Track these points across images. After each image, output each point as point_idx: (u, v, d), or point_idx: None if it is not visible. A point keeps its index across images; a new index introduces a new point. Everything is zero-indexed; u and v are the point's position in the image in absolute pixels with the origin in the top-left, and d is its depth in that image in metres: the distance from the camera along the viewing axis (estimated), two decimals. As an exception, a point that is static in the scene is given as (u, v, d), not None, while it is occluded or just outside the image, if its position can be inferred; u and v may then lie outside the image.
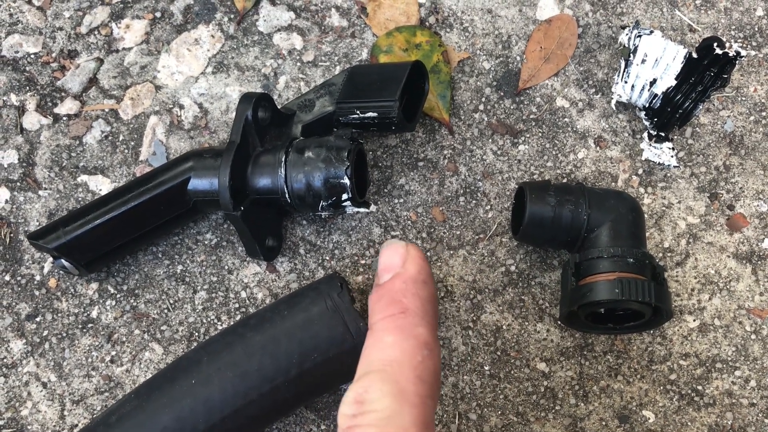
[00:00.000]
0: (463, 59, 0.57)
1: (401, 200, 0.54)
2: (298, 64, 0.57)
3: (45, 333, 0.52)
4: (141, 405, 0.44)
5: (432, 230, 0.54)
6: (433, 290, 0.40)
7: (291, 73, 0.56)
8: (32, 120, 0.56)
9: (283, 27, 0.58)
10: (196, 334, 0.52)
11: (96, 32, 0.57)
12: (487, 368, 0.52)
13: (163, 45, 0.57)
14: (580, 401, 0.52)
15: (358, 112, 0.49)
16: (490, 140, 0.55)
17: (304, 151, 0.48)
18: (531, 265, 0.53)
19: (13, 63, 0.57)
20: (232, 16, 0.58)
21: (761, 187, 0.55)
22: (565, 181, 0.55)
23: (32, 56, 0.57)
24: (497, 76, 0.56)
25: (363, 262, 0.53)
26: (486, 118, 0.56)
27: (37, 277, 0.53)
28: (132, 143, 0.55)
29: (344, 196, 0.47)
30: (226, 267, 0.53)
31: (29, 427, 0.51)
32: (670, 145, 0.54)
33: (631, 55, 0.52)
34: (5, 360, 0.52)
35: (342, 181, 0.47)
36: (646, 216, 0.53)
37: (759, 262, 0.54)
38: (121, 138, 0.55)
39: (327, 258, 0.53)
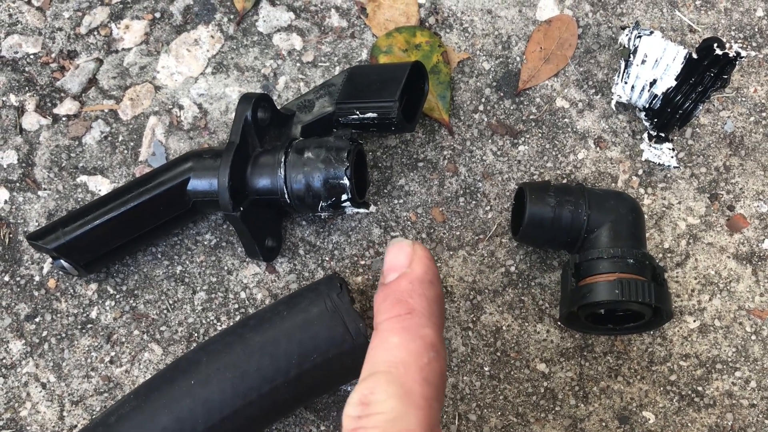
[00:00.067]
0: (463, 60, 0.57)
1: (401, 201, 0.54)
2: (298, 64, 0.57)
3: (44, 333, 0.52)
4: (140, 406, 0.44)
5: (432, 231, 0.54)
6: (440, 291, 0.39)
7: (290, 74, 0.56)
8: (32, 120, 0.56)
9: (282, 27, 0.57)
10: (196, 334, 0.52)
11: (95, 33, 0.57)
12: (486, 369, 0.52)
13: (162, 45, 0.57)
14: (580, 402, 0.52)
15: (357, 112, 0.49)
16: (490, 141, 0.55)
17: (304, 151, 0.48)
18: (531, 266, 0.53)
19: (13, 63, 0.57)
20: (231, 16, 0.58)
21: (761, 187, 0.55)
22: (565, 181, 0.55)
23: (32, 57, 0.57)
24: (497, 76, 0.56)
25: (362, 262, 0.53)
26: (486, 119, 0.56)
27: (37, 278, 0.53)
28: (131, 144, 0.55)
29: (344, 197, 0.47)
30: (226, 267, 0.53)
31: (28, 428, 0.51)
32: (670, 145, 0.54)
33: (631, 55, 0.52)
34: (4, 360, 0.52)
35: (341, 181, 0.47)
36: (646, 217, 0.53)
37: (759, 263, 0.54)
38: (120, 138, 0.55)
39: (326, 258, 0.53)
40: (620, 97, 0.54)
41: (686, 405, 0.52)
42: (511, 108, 0.56)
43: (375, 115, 0.49)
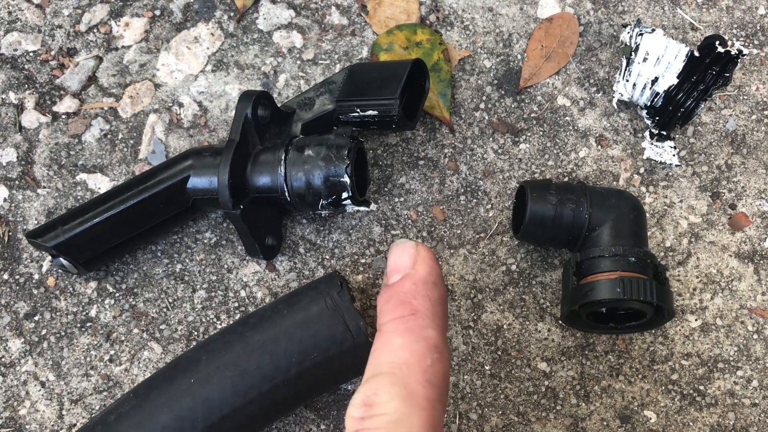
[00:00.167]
0: (464, 57, 0.57)
1: (402, 199, 0.54)
2: (298, 62, 0.56)
3: (43, 332, 0.52)
4: (140, 404, 0.44)
5: (432, 229, 0.54)
6: (443, 292, 0.39)
7: (291, 72, 0.56)
8: (31, 118, 0.55)
9: (282, 25, 0.57)
10: (195, 333, 0.52)
11: (95, 30, 0.57)
12: (487, 368, 0.52)
13: (162, 43, 0.57)
14: (581, 401, 0.51)
15: (358, 110, 0.49)
16: (491, 139, 0.55)
17: (304, 149, 0.48)
18: (532, 265, 0.53)
19: (12, 61, 0.56)
20: (231, 14, 0.57)
21: (763, 186, 0.55)
22: (566, 179, 0.54)
23: (31, 54, 0.57)
24: (498, 74, 0.56)
25: (363, 261, 0.53)
26: (487, 117, 0.55)
27: (36, 276, 0.53)
28: (131, 141, 0.55)
29: (344, 195, 0.47)
30: (226, 266, 0.53)
31: (27, 427, 0.51)
32: (671, 143, 0.54)
33: (633, 53, 0.52)
34: (3, 359, 0.52)
35: (342, 179, 0.46)
36: (647, 215, 0.53)
37: (761, 262, 0.53)
38: (120, 136, 0.55)
39: (327, 257, 0.53)
40: (622, 95, 0.53)
41: (688, 404, 0.51)
42: (512, 106, 0.56)
43: (376, 112, 0.49)
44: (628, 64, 0.52)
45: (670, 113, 0.53)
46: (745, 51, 0.49)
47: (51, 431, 0.51)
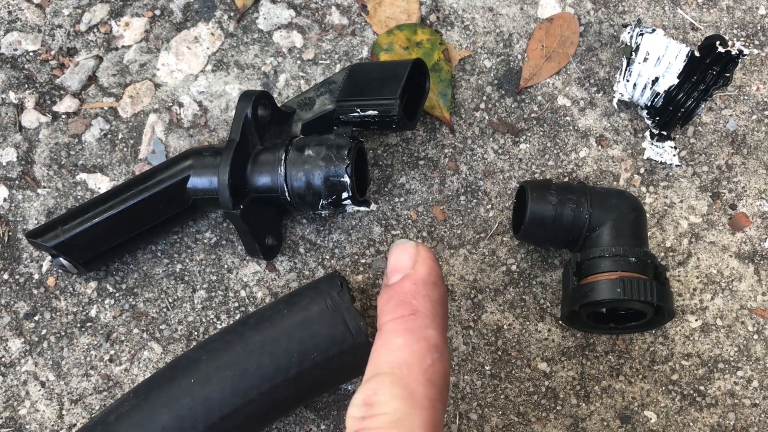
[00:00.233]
0: (464, 57, 0.57)
1: (402, 199, 0.54)
2: (298, 62, 0.56)
3: (43, 332, 0.52)
4: (140, 404, 0.44)
5: (432, 229, 0.54)
6: (444, 292, 0.39)
7: (291, 71, 0.56)
8: (31, 118, 0.55)
9: (283, 25, 0.57)
10: (195, 333, 0.52)
11: (95, 30, 0.57)
12: (488, 368, 0.52)
13: (162, 43, 0.57)
14: (581, 401, 0.51)
15: (358, 110, 0.49)
16: (491, 139, 0.55)
17: (304, 149, 0.48)
18: (532, 265, 0.53)
19: (12, 61, 0.56)
20: (231, 13, 0.57)
21: (763, 186, 0.55)
22: (566, 180, 0.54)
23: (31, 54, 0.57)
24: (498, 74, 0.56)
25: (363, 261, 0.53)
26: (487, 117, 0.55)
27: (36, 276, 0.53)
28: (131, 141, 0.55)
29: (344, 195, 0.47)
30: (226, 266, 0.53)
31: (27, 427, 0.51)
32: (672, 144, 0.54)
33: (633, 53, 0.52)
34: (3, 359, 0.52)
35: (342, 179, 0.46)
36: (648, 215, 0.53)
37: (761, 262, 0.53)
38: (120, 136, 0.55)
39: (327, 257, 0.53)
40: (622, 95, 0.53)
41: (688, 404, 0.51)
42: (513, 106, 0.56)
43: (376, 112, 0.49)
44: (628, 64, 0.52)
45: (671, 113, 0.53)
46: (746, 51, 0.49)
47: (51, 431, 0.51)
